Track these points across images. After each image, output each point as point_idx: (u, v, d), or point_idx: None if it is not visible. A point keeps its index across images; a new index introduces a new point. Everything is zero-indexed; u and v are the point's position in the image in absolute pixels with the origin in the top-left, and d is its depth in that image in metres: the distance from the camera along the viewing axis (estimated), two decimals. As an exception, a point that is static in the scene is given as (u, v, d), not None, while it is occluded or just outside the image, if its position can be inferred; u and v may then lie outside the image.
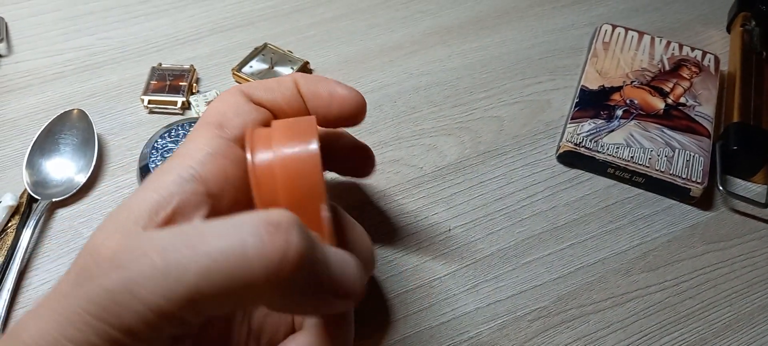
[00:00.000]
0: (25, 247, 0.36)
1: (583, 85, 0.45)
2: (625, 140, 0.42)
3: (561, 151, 0.42)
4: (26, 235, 0.37)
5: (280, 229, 0.19)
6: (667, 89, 0.45)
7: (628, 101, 0.44)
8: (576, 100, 0.44)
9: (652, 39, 0.49)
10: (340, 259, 0.22)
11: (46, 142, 0.41)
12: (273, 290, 0.19)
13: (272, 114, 0.27)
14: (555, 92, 0.48)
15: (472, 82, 0.48)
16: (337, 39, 0.51)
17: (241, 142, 0.25)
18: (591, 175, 0.43)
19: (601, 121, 0.43)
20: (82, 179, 0.40)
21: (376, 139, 0.44)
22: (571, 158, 0.42)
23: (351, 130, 0.32)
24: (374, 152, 0.32)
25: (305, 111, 0.27)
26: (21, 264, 0.36)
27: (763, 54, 0.48)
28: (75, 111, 0.42)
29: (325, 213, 0.23)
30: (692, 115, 0.44)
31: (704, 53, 0.48)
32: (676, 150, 0.41)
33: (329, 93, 0.27)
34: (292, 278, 0.19)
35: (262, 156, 0.23)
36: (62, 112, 0.42)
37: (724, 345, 0.35)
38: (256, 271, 0.18)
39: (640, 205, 0.41)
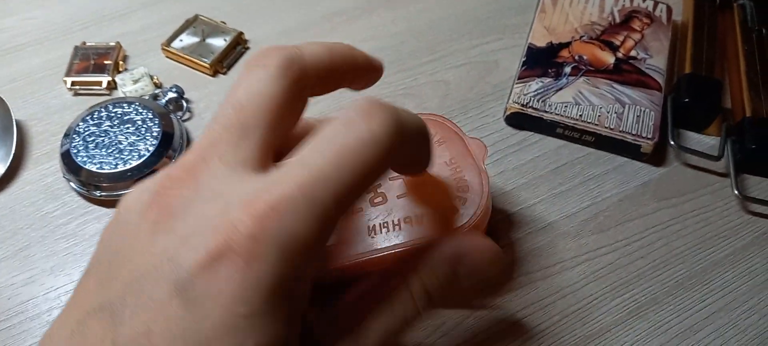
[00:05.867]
0: (-57, 245, 0.34)
1: (530, 43, 0.43)
2: (573, 98, 0.40)
3: (508, 112, 0.41)
4: (-56, 232, 0.35)
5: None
6: (618, 43, 0.43)
7: (576, 57, 0.42)
8: (523, 59, 0.43)
9: (603, -9, 0.47)
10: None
11: (-39, 133, 0.38)
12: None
13: None
14: (503, 52, 0.46)
15: (418, 45, 0.46)
16: (276, 7, 0.48)
17: None
18: (540, 136, 0.41)
19: (548, 79, 0.41)
20: (0, 169, 0.37)
21: (316, 111, 0.42)
22: (518, 120, 0.41)
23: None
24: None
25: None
26: (-61, 263, 0.34)
27: (716, 2, 0.46)
28: (-9, 98, 0.39)
29: None
30: (643, 69, 0.42)
31: (656, 3, 0.46)
32: (626, 106, 0.40)
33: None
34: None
35: None
36: (-23, 99, 0.39)
37: (676, 303, 0.34)
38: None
39: (590, 164, 0.40)
